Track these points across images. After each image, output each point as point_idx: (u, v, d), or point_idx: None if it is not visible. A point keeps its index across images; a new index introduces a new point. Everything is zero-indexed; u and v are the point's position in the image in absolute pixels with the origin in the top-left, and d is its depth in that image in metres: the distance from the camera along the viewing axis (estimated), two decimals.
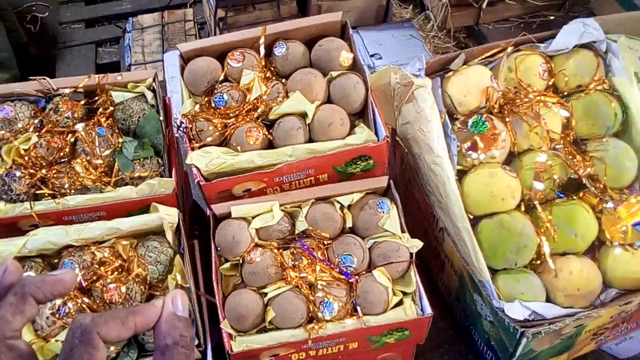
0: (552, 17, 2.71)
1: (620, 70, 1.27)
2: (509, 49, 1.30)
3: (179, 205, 1.16)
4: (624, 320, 1.19)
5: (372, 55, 2.81)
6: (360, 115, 1.24)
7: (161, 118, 1.19)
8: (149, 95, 1.21)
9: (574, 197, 1.20)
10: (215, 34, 3.16)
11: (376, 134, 1.17)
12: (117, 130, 1.18)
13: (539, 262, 1.18)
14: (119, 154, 1.15)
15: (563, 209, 1.19)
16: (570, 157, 1.22)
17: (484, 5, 2.63)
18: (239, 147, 1.14)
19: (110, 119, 1.19)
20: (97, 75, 1.20)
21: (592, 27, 1.29)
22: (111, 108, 1.20)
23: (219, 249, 1.10)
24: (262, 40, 1.22)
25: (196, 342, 1.03)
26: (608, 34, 1.43)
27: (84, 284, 1.04)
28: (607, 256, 1.18)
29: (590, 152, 1.23)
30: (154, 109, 1.21)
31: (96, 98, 1.21)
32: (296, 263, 1.08)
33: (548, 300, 1.15)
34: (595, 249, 1.21)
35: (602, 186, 1.20)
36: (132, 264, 1.06)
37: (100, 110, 1.19)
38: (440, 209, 1.24)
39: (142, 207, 1.14)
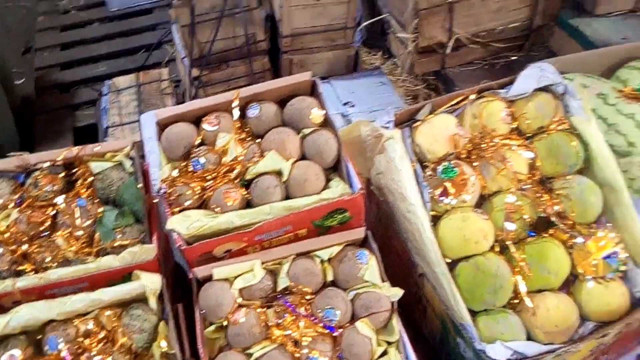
0: (513, 58, 2.81)
1: (578, 109, 1.33)
2: (472, 97, 1.35)
3: (161, 271, 1.17)
4: (604, 352, 1.21)
5: (345, 104, 2.87)
6: (334, 169, 1.28)
7: (140, 185, 1.21)
8: (127, 163, 1.24)
9: (545, 235, 1.24)
10: (190, 93, 3.22)
11: (351, 186, 1.21)
12: (96, 200, 1.21)
13: (516, 300, 1.21)
14: (99, 224, 1.17)
15: (535, 247, 1.23)
16: (538, 195, 1.26)
17: (447, 51, 2.72)
18: (218, 209, 1.17)
19: (90, 189, 1.22)
20: (75, 148, 1.23)
21: (548, 71, 1.36)
22: (91, 178, 1.22)
23: (202, 312, 1.11)
24: (235, 104, 1.26)
25: None
26: (566, 72, 1.51)
27: (68, 359, 1.04)
28: (582, 290, 1.22)
29: (556, 190, 1.27)
30: (133, 176, 1.23)
31: (75, 170, 1.23)
32: (280, 321, 1.09)
33: (528, 338, 1.18)
34: (570, 284, 1.25)
35: (570, 222, 1.24)
36: (117, 334, 1.07)
37: (80, 181, 1.21)
38: (417, 255, 1.27)
39: (124, 275, 1.15)
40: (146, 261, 1.15)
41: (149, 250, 1.15)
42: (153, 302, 1.11)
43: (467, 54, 2.81)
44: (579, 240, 1.23)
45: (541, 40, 2.85)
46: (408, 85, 3.08)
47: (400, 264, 1.38)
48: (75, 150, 1.23)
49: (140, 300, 1.13)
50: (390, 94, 3.08)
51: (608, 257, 1.21)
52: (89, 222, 1.17)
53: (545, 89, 1.36)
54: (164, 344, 1.08)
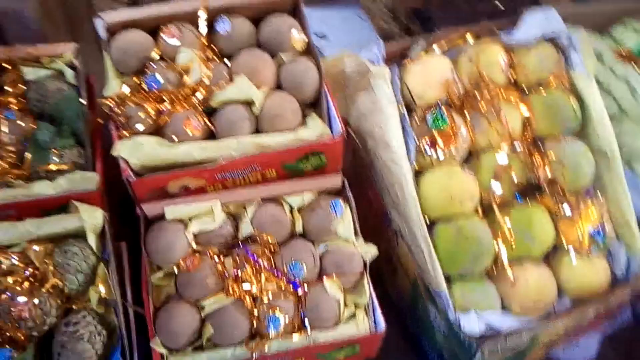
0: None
1: (580, 65, 1.21)
2: (470, 39, 1.21)
3: (104, 204, 1.01)
4: (576, 331, 1.15)
5: (318, 36, 2.68)
6: (312, 105, 1.12)
7: (83, 100, 1.02)
8: (68, 72, 1.04)
9: (532, 201, 1.15)
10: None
11: (330, 127, 1.06)
12: (29, 114, 1.01)
13: (495, 268, 1.12)
14: (31, 142, 0.99)
15: (521, 213, 1.13)
16: (529, 157, 1.15)
17: None
18: (175, 138, 1.00)
19: (21, 99, 1.02)
20: (3, 47, 1.01)
21: (553, 18, 1.22)
22: (23, 87, 1.02)
23: (150, 255, 0.96)
24: (202, 14, 1.07)
25: None
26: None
27: None
28: (563, 263, 1.14)
29: (549, 153, 1.17)
30: (75, 89, 1.04)
31: (3, 74, 1.02)
32: (239, 273, 0.96)
33: (502, 308, 1.10)
34: (550, 254, 1.17)
35: (560, 190, 1.15)
36: (47, 273, 0.91)
37: (9, 88, 1.00)
38: (395, 210, 1.16)
39: (60, 205, 0.98)
40: (86, 191, 0.98)
41: (90, 179, 0.98)
42: (92, 240, 0.95)
43: None
44: (567, 210, 1.14)
45: None
46: (383, 25, 2.89)
47: (372, 216, 1.26)
48: (3, 50, 1.01)
49: (77, 236, 0.97)
50: (369, 30, 2.89)
51: (595, 231, 1.13)
52: (17, 138, 0.98)
53: (548, 39, 1.23)
54: (102, 288, 0.93)
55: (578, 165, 1.16)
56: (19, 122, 0.99)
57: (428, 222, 1.11)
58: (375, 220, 1.24)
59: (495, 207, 1.12)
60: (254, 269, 0.96)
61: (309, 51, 1.11)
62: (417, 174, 1.14)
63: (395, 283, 1.27)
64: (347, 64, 1.20)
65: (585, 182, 1.18)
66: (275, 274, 0.97)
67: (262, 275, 0.96)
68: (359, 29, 2.82)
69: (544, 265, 1.14)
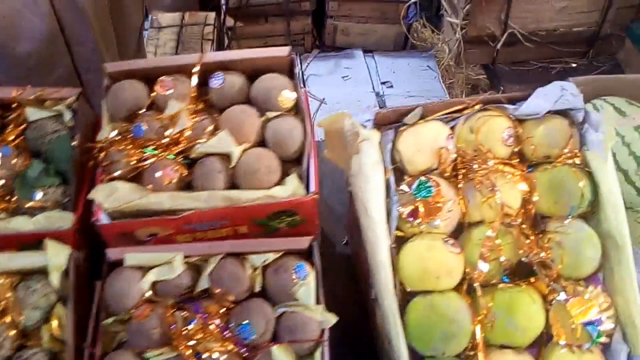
0: (573, 65, 2.55)
1: (596, 144, 1.12)
2: (476, 107, 1.16)
3: (80, 243, 1.05)
4: None
5: (383, 83, 2.69)
6: (298, 162, 1.12)
7: (75, 142, 1.08)
8: (67, 115, 1.11)
9: (522, 284, 1.06)
10: (224, 45, 3.07)
11: (307, 187, 1.05)
12: (26, 152, 1.08)
13: (472, 353, 1.04)
14: (20, 178, 1.05)
15: (506, 296, 1.05)
16: (524, 235, 1.07)
17: (498, 46, 2.48)
18: (150, 186, 1.03)
19: (21, 137, 1.09)
20: (15, 88, 1.10)
21: (571, 92, 1.14)
22: (24, 126, 1.09)
23: (105, 300, 0.99)
24: (196, 69, 1.11)
25: None
26: (607, 95, 1.30)
27: None
28: (552, 355, 1.04)
29: (548, 234, 1.08)
30: (71, 131, 1.10)
31: (9, 113, 1.11)
32: (186, 328, 0.96)
33: None
34: (542, 345, 1.07)
35: (555, 274, 1.05)
36: (8, 307, 0.96)
37: (11, 127, 1.09)
38: (372, 276, 1.11)
39: (38, 241, 1.03)
40: (61, 230, 1.03)
41: (66, 218, 1.02)
42: (54, 278, 0.98)
43: (522, 52, 2.57)
44: (562, 297, 1.04)
45: (608, 51, 2.58)
46: (450, 77, 2.85)
47: (363, 279, 1.22)
48: (14, 92, 1.10)
49: (45, 273, 1.01)
50: (434, 80, 2.87)
51: (590, 323, 1.02)
52: (10, 173, 1.05)
53: (562, 113, 1.15)
54: (55, 327, 0.96)
55: (579, 250, 1.06)
56: (13, 158, 1.06)
57: (407, 293, 1.06)
58: (365, 283, 1.20)
59: (477, 285, 1.05)
60: (200, 325, 0.95)
61: (299, 110, 1.12)
62: (401, 243, 1.09)
63: (381, 353, 1.21)
64: (345, 124, 1.19)
65: (586, 269, 1.07)
66: (222, 334, 0.96)
67: (208, 333, 0.95)
68: (426, 79, 2.80)
69: (527, 356, 1.04)
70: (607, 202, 1.08)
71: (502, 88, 2.52)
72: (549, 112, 1.13)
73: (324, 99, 2.62)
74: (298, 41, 3.34)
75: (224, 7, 3.04)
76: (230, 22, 3.08)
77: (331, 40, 3.37)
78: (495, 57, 2.57)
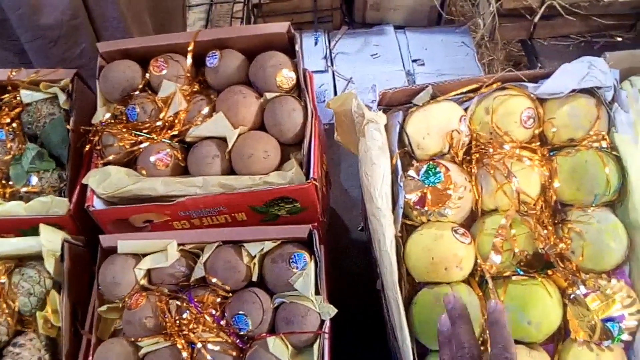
0: (619, 39, 2.39)
1: (625, 125, 1.02)
2: (493, 86, 1.08)
3: (78, 229, 1.02)
4: None
5: (414, 61, 2.58)
6: (301, 146, 1.06)
7: (69, 126, 1.05)
8: (62, 97, 1.08)
9: (537, 277, 0.99)
10: (249, 22, 3.00)
11: (307, 173, 0.99)
12: (21, 135, 1.06)
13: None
14: (15, 162, 1.03)
15: (520, 289, 0.98)
16: (540, 226, 1.00)
17: (536, 19, 2.35)
18: (144, 171, 0.99)
19: (17, 121, 1.07)
20: (9, 70, 1.07)
21: (599, 69, 1.05)
22: (19, 109, 1.07)
23: (99, 288, 0.96)
24: (191, 47, 1.06)
25: None
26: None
27: None
28: (569, 352, 0.97)
29: (568, 223, 1.00)
30: (65, 114, 1.07)
31: (5, 96, 1.08)
32: (180, 317, 0.92)
33: None
34: (559, 341, 0.99)
35: (574, 267, 0.98)
36: (3, 292, 0.94)
37: (5, 110, 1.06)
38: (378, 266, 1.05)
39: (33, 226, 1.01)
40: (57, 215, 1.00)
41: (61, 203, 1.00)
42: (50, 264, 0.96)
43: (562, 25, 2.42)
44: (581, 290, 0.96)
45: None
46: (485, 52, 2.73)
47: (374, 270, 1.16)
48: (7, 73, 1.07)
49: (41, 258, 0.99)
50: (469, 57, 2.73)
51: (611, 319, 0.94)
52: (6, 158, 1.03)
53: (589, 92, 1.06)
54: (50, 313, 0.94)
55: (602, 241, 0.98)
56: (8, 142, 1.03)
57: (416, 284, 1.00)
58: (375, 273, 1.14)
59: (488, 277, 0.98)
60: (193, 315, 0.92)
61: (299, 91, 1.06)
62: (412, 230, 1.03)
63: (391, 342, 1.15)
64: (353, 104, 1.12)
65: (610, 261, 0.99)
66: (218, 324, 0.92)
67: (201, 324, 0.91)
68: (460, 56, 2.67)
69: (542, 352, 0.97)
70: (636, 189, 0.99)
71: (539, 64, 2.39)
72: (573, 90, 1.04)
73: (351, 78, 2.55)
74: (326, 18, 3.24)
75: None
76: None
77: (361, 17, 3.26)
78: (533, 31, 2.43)
